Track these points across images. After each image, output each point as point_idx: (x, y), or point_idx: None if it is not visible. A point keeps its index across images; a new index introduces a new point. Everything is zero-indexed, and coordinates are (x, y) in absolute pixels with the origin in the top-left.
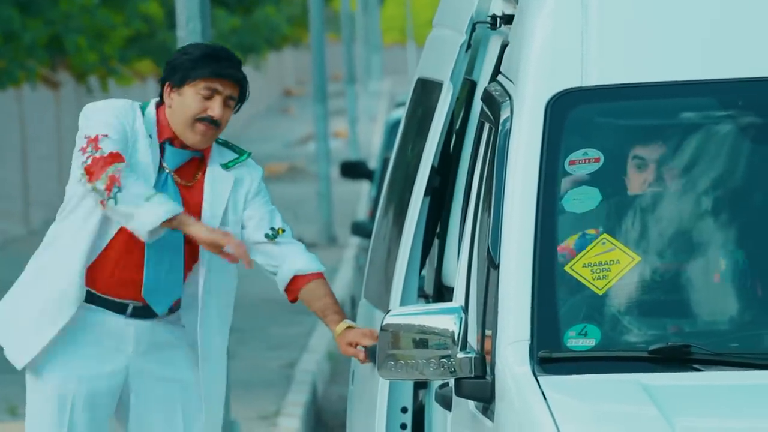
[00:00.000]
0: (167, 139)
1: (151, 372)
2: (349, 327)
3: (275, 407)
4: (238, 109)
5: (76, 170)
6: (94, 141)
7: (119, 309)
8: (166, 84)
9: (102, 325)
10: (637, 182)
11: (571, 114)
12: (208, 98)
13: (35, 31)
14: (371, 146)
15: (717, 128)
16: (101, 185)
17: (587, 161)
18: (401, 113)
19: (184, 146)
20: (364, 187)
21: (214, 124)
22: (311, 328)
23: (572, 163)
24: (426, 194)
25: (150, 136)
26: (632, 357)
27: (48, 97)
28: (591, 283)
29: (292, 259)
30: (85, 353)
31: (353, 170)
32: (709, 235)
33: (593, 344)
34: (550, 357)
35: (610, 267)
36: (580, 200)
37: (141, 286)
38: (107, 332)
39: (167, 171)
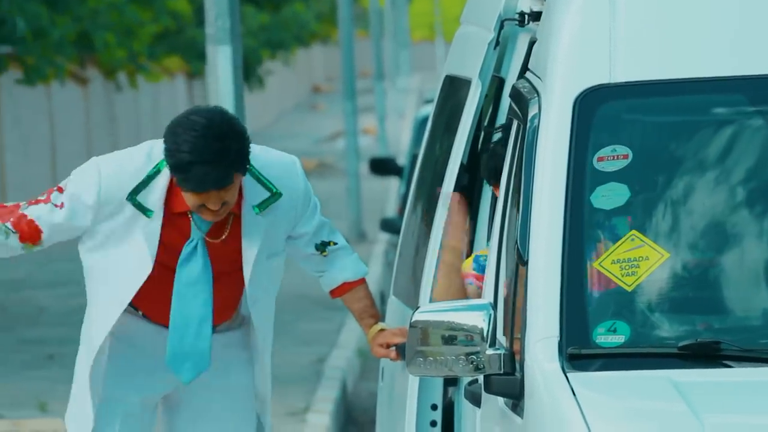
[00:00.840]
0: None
1: (203, 382)
2: (381, 329)
3: (305, 403)
4: (245, 172)
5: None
6: (47, 195)
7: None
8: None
9: (155, 335)
10: None
11: (599, 110)
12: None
13: (64, 27)
14: (400, 143)
15: (746, 124)
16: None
17: (615, 158)
18: (430, 110)
19: None
20: (393, 184)
21: (220, 207)
22: (341, 324)
23: (600, 159)
24: (455, 191)
25: (150, 213)
26: (662, 353)
27: (76, 93)
28: (620, 280)
29: (341, 266)
30: (136, 364)
31: (382, 167)
32: (739, 231)
33: (622, 341)
34: (579, 353)
35: (639, 263)
36: (609, 197)
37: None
38: (160, 343)
39: (197, 239)
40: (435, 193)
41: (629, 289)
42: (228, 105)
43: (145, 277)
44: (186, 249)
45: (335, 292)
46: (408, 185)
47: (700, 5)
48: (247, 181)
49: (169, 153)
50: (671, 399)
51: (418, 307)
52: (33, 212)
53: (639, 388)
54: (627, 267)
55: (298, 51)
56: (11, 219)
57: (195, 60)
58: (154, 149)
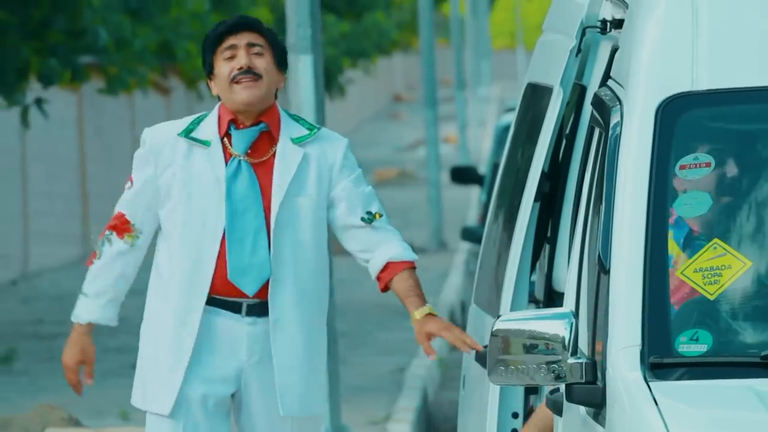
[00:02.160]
0: (230, 124)
1: (264, 381)
2: (430, 314)
3: (385, 412)
4: (283, 66)
5: None
6: (125, 189)
7: (235, 309)
8: (209, 82)
9: (218, 328)
10: None
11: (681, 118)
12: (232, 57)
13: (146, 37)
14: (481, 151)
15: None
16: (96, 242)
17: (698, 166)
18: (511, 118)
19: (248, 125)
20: (474, 193)
21: (249, 73)
22: None
23: (683, 167)
24: (536, 199)
25: (207, 142)
26: (744, 362)
27: (159, 102)
28: (702, 288)
29: (387, 245)
30: (200, 359)
31: (463, 175)
32: None
33: (705, 350)
34: (661, 362)
35: (722, 272)
36: (691, 205)
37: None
38: (222, 336)
39: (237, 157)
40: (516, 202)
41: (711, 298)
42: (309, 113)
43: (223, 196)
44: (230, 167)
45: (382, 278)
46: (489, 194)
47: None
48: (286, 119)
49: (203, 48)
50: (753, 408)
51: (499, 316)
52: (117, 206)
53: (721, 397)
54: (709, 275)
55: (378, 60)
56: (103, 234)
57: None
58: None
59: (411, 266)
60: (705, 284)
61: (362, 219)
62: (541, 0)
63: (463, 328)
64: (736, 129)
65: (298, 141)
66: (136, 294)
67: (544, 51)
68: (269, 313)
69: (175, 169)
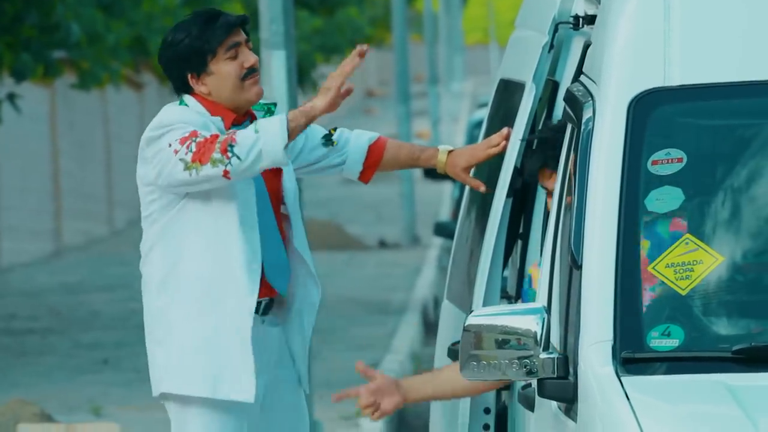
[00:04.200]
0: (233, 123)
1: (282, 381)
2: (451, 151)
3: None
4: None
5: (170, 167)
6: (190, 136)
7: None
8: (188, 77)
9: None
10: None
11: (653, 114)
12: (236, 57)
13: (118, 32)
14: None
15: None
16: (217, 155)
17: (670, 161)
18: (484, 114)
19: (242, 119)
20: (447, 188)
21: (255, 71)
22: (394, 328)
23: (655, 163)
24: (508, 195)
25: (218, 128)
26: (716, 357)
27: (132, 98)
28: (674, 283)
29: (357, 135)
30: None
31: (435, 171)
32: None
33: (676, 344)
34: (633, 357)
35: (694, 267)
36: (663, 200)
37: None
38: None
39: None
40: (489, 197)
41: (683, 293)
42: (282, 109)
43: (254, 192)
44: None
45: (368, 165)
46: (462, 189)
47: (754, 7)
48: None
49: (181, 49)
50: (725, 403)
51: (471, 311)
52: (195, 145)
53: (693, 392)
54: (681, 271)
55: None
56: (213, 144)
57: None
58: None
59: (387, 140)
60: (677, 279)
61: (323, 144)
62: None
63: (436, 324)
64: (708, 124)
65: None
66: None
67: (516, 47)
68: (291, 310)
69: None
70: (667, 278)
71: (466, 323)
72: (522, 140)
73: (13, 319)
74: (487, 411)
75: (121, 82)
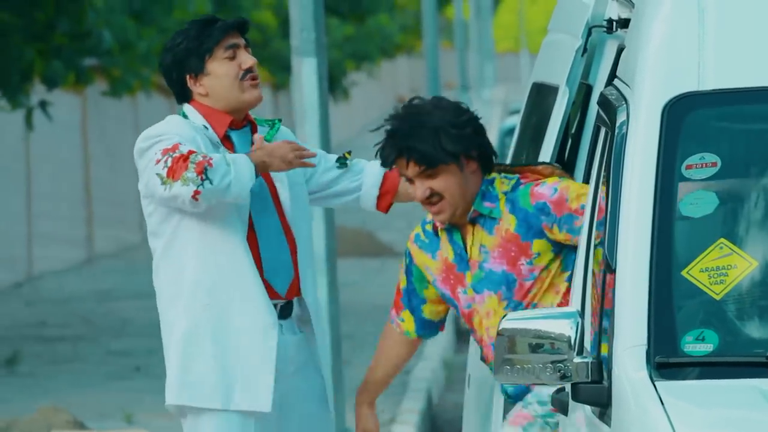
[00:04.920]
0: (228, 127)
1: (301, 390)
2: None
3: (390, 414)
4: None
5: (152, 180)
6: (171, 149)
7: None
8: (187, 79)
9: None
10: None
11: (687, 118)
12: (234, 57)
13: (149, 39)
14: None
15: None
16: (191, 173)
17: (704, 165)
18: (515, 121)
19: (241, 125)
20: None
21: (252, 73)
22: None
23: (689, 167)
24: None
25: (210, 141)
26: (750, 362)
27: (162, 104)
28: (708, 288)
29: (373, 163)
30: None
31: None
32: None
33: (711, 349)
34: (667, 362)
35: (728, 271)
36: (697, 204)
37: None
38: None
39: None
40: None
41: (717, 298)
42: (313, 116)
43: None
44: None
45: (384, 192)
46: None
47: None
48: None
49: (178, 52)
50: (759, 408)
51: (505, 315)
52: (171, 160)
53: (727, 397)
54: (715, 275)
55: (382, 62)
56: (187, 161)
57: (280, 72)
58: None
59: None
60: (711, 284)
61: (337, 167)
62: (544, 3)
63: (467, 330)
64: (743, 128)
65: (268, 138)
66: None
67: (549, 51)
68: (309, 312)
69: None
70: (701, 283)
71: (500, 327)
72: (555, 144)
73: (44, 327)
74: None
75: (152, 89)
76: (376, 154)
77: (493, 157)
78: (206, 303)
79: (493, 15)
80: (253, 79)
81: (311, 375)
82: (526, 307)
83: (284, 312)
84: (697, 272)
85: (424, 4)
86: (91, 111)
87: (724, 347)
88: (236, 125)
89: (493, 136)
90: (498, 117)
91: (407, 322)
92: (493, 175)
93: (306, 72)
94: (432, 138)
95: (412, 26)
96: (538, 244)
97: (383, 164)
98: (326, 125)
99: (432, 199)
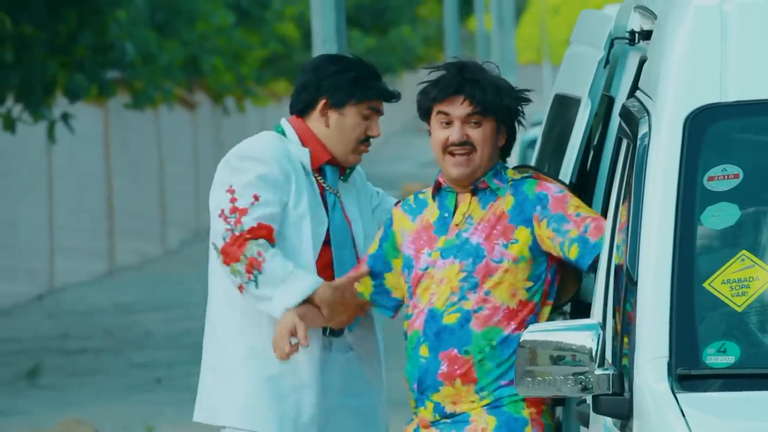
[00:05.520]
0: (326, 162)
1: (347, 410)
2: None
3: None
4: None
5: (214, 235)
6: (239, 213)
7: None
8: (322, 100)
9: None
10: None
11: (709, 130)
12: (368, 118)
13: (172, 52)
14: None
15: None
16: (241, 267)
17: (726, 177)
18: (536, 132)
19: (335, 165)
20: None
21: (370, 143)
22: None
23: (711, 179)
24: None
25: (303, 166)
26: None
27: (185, 117)
28: (730, 300)
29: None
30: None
31: None
32: None
33: (732, 361)
34: (688, 374)
35: (750, 284)
36: (719, 216)
37: None
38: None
39: (334, 193)
40: None
41: (739, 310)
42: None
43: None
44: (329, 201)
45: None
46: None
47: None
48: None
49: (338, 77)
50: None
51: (526, 327)
52: (230, 236)
53: (748, 409)
54: (737, 287)
55: (404, 74)
56: (243, 248)
57: None
58: (267, 131)
59: None
60: (733, 296)
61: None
62: (567, 15)
63: None
64: (765, 140)
65: (344, 178)
66: (160, 309)
67: (572, 62)
68: (356, 342)
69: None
70: (723, 294)
71: (521, 339)
72: (577, 156)
73: (66, 339)
74: None
75: (174, 102)
76: (426, 89)
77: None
78: (263, 322)
79: (515, 26)
80: (367, 147)
81: (360, 393)
82: (478, 292)
83: (335, 330)
84: (718, 284)
85: (447, 16)
86: (114, 123)
87: (745, 359)
88: (333, 162)
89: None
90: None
91: (363, 284)
92: (507, 165)
93: None
94: (494, 88)
95: (435, 38)
96: (520, 232)
97: (434, 97)
98: None
99: (464, 147)
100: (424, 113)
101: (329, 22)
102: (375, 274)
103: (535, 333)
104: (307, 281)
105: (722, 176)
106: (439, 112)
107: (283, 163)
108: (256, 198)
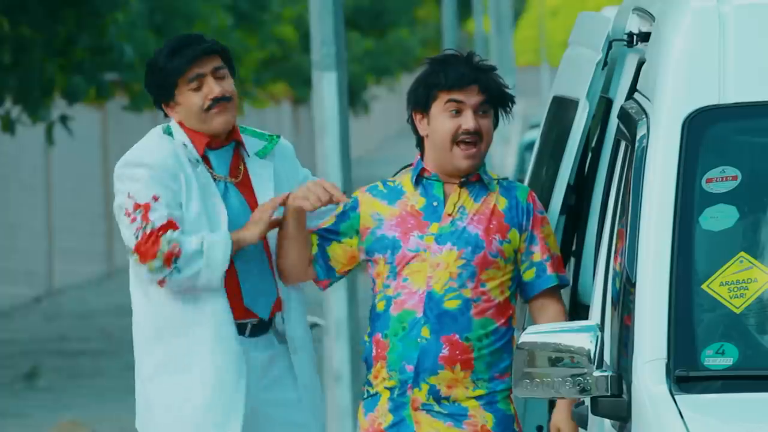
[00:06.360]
0: (206, 147)
1: (274, 403)
2: None
3: None
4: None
5: (126, 238)
6: (143, 209)
7: (241, 330)
8: (163, 106)
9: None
10: None
11: (708, 131)
12: (200, 87)
13: None
14: (505, 168)
15: None
16: (158, 263)
17: (725, 179)
18: (535, 135)
19: (222, 144)
20: None
21: (223, 99)
22: None
23: (709, 181)
24: (562, 212)
25: (190, 160)
26: None
27: None
28: (728, 302)
29: None
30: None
31: None
32: None
33: (731, 363)
34: (687, 376)
35: (748, 285)
36: (717, 218)
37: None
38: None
39: (223, 180)
40: None
41: (738, 312)
42: (333, 130)
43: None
44: (220, 190)
45: None
46: None
47: None
48: (245, 138)
49: (153, 71)
50: None
51: (525, 329)
52: (141, 235)
53: (746, 411)
54: (735, 289)
55: (402, 76)
56: (157, 245)
57: (300, 86)
58: (157, 129)
59: None
60: (731, 297)
61: None
62: (565, 17)
63: None
64: (763, 142)
65: (262, 154)
66: None
67: (570, 64)
68: (287, 334)
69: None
70: (721, 296)
71: (520, 341)
72: (575, 158)
73: (65, 341)
74: (539, 429)
75: None
76: (432, 78)
77: None
78: (176, 336)
79: (513, 29)
80: (221, 105)
81: (289, 386)
82: (476, 282)
83: (257, 330)
84: (717, 286)
85: (445, 18)
86: (112, 125)
87: (744, 361)
88: (215, 145)
89: (513, 151)
90: (518, 131)
91: (310, 240)
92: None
93: (326, 86)
94: (497, 80)
95: (433, 40)
96: (513, 234)
97: (449, 85)
98: (346, 139)
99: (473, 136)
100: (424, 101)
101: (327, 24)
102: (322, 237)
103: (533, 335)
104: (221, 236)
105: (720, 178)
106: (450, 100)
107: (168, 164)
108: (156, 198)
